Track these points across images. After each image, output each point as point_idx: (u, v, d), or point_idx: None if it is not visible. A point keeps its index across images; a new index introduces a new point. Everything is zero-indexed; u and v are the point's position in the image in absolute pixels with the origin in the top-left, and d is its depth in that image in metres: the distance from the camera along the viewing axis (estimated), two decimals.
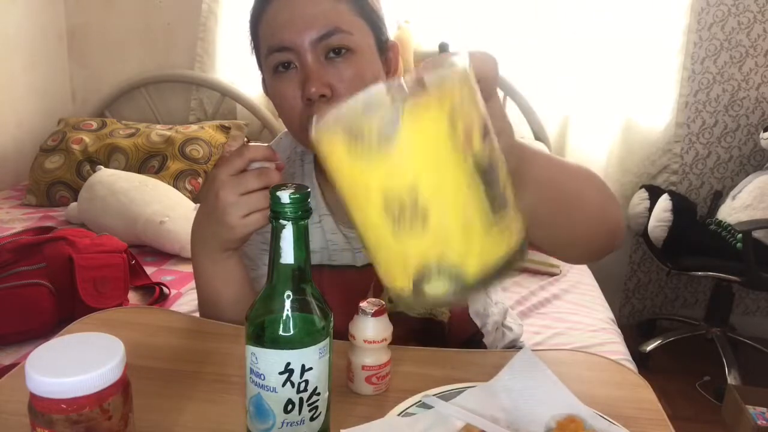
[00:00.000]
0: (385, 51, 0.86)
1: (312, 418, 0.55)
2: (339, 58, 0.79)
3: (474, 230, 0.37)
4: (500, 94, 2.45)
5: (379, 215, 0.37)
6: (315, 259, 0.90)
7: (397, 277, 0.40)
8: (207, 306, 0.86)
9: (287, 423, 0.54)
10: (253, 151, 0.74)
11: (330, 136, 0.37)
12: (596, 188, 0.76)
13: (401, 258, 0.38)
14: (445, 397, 0.65)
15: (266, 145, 0.77)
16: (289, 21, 0.79)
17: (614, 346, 1.57)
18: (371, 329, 0.68)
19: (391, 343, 0.70)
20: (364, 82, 0.80)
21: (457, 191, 0.36)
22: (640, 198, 2.39)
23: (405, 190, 0.36)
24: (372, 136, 0.35)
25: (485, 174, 0.37)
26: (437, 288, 0.38)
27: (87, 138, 2.38)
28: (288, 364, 0.53)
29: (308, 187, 0.54)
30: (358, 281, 0.92)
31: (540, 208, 0.66)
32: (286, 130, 0.93)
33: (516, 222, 0.40)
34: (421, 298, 0.39)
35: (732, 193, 2.35)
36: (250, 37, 0.86)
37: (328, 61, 0.79)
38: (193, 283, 1.27)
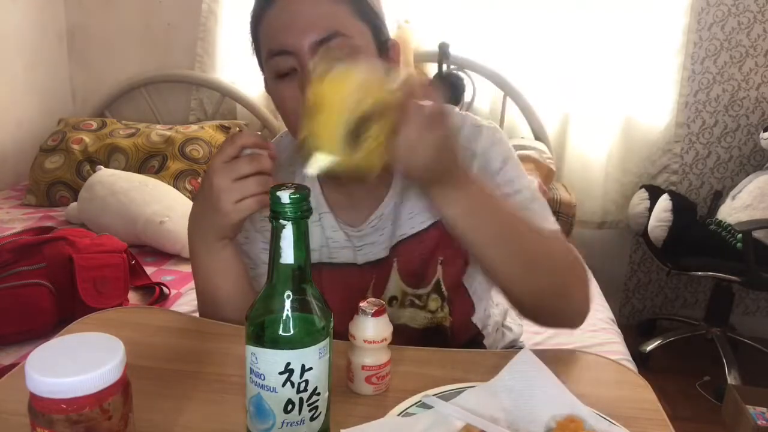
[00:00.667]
0: (386, 51, 0.86)
1: (312, 418, 0.55)
2: None
3: (335, 139, 0.63)
4: (500, 93, 2.45)
5: (307, 100, 0.65)
6: (314, 257, 0.90)
7: (300, 134, 0.66)
8: (205, 302, 0.86)
9: (287, 423, 0.54)
10: (244, 137, 0.75)
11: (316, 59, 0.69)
12: (564, 257, 0.81)
13: (304, 124, 0.65)
14: (445, 397, 0.65)
15: (257, 133, 0.78)
16: (288, 24, 0.79)
17: (614, 346, 1.57)
18: (371, 329, 0.68)
19: (391, 344, 0.70)
20: None
21: (340, 114, 0.63)
22: (640, 198, 2.39)
23: (319, 96, 0.64)
24: (324, 66, 0.65)
25: (362, 121, 0.63)
26: (306, 149, 0.65)
27: (87, 138, 2.38)
28: (288, 364, 0.53)
29: (308, 187, 0.54)
30: (359, 279, 0.92)
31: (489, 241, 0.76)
32: (286, 129, 0.93)
33: (368, 158, 0.65)
34: (301, 152, 0.66)
35: (732, 193, 2.35)
36: (251, 38, 0.86)
37: None
38: (193, 283, 1.28)
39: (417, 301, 0.93)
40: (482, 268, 0.83)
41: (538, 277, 0.78)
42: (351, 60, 0.67)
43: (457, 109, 0.94)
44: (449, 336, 0.95)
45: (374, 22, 0.83)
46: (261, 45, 0.84)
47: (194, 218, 0.83)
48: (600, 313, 1.75)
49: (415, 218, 0.90)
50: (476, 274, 0.94)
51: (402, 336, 0.75)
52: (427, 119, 0.66)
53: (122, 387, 0.50)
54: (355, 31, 0.80)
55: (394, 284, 0.92)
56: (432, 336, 0.94)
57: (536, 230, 0.80)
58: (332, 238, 0.92)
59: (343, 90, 0.63)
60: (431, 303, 0.93)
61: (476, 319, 0.96)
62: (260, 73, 0.88)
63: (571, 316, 0.85)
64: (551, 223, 0.87)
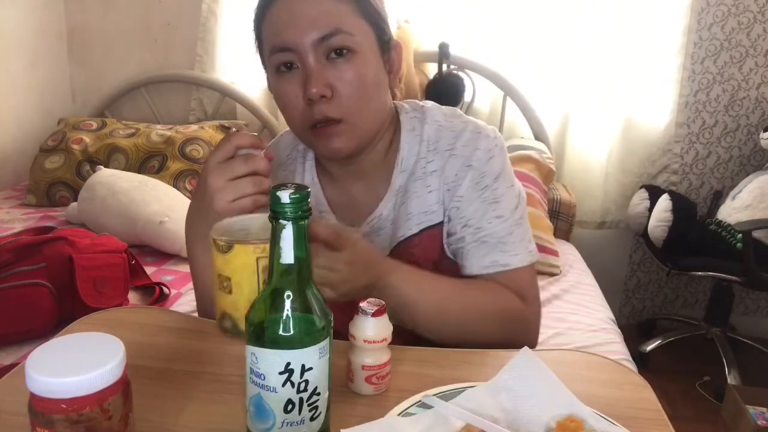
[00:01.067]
0: (388, 50, 0.86)
1: (312, 418, 0.55)
2: (340, 58, 0.79)
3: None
4: (500, 93, 2.45)
5: (215, 278, 0.66)
6: None
7: (216, 315, 0.68)
8: (204, 302, 0.86)
9: (287, 423, 0.54)
10: (239, 138, 0.75)
11: (212, 234, 0.66)
12: (499, 316, 0.85)
13: (217, 303, 0.67)
14: (445, 397, 0.65)
15: (253, 133, 0.78)
16: (291, 21, 0.79)
17: (614, 346, 1.57)
18: (371, 329, 0.68)
19: (391, 344, 0.70)
20: (364, 83, 0.81)
21: (249, 289, 0.63)
22: (640, 198, 2.39)
23: (226, 275, 0.65)
24: (223, 243, 0.64)
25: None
26: (226, 325, 0.67)
27: (87, 138, 2.38)
28: (288, 364, 0.53)
29: (308, 187, 0.54)
30: None
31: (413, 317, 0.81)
32: (287, 128, 0.93)
33: None
34: (221, 328, 0.67)
35: (732, 193, 2.35)
36: (254, 35, 0.87)
37: (329, 62, 0.79)
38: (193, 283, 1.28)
39: None
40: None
41: (471, 339, 0.82)
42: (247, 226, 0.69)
43: (458, 110, 0.94)
44: None
45: (377, 22, 0.84)
46: (264, 41, 0.84)
47: (191, 217, 0.83)
48: (600, 313, 1.75)
49: (411, 220, 0.90)
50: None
51: (402, 336, 0.75)
52: (327, 252, 0.69)
53: (122, 387, 0.50)
54: (357, 30, 0.80)
55: None
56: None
57: (469, 298, 0.84)
58: None
59: (247, 267, 0.63)
60: None
61: None
62: (262, 71, 0.88)
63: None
64: (521, 258, 0.88)
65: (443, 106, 0.94)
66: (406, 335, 0.91)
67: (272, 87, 0.86)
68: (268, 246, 0.61)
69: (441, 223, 0.90)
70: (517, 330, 0.86)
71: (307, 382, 0.54)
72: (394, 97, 0.94)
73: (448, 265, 0.92)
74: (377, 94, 0.84)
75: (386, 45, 0.86)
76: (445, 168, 0.89)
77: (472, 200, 0.88)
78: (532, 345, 0.89)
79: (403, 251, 0.91)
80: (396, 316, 0.78)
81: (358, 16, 0.81)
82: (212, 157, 0.75)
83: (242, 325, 0.62)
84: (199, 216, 0.79)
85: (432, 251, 0.91)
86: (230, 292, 0.64)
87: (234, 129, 2.49)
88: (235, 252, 0.64)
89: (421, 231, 0.90)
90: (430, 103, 0.95)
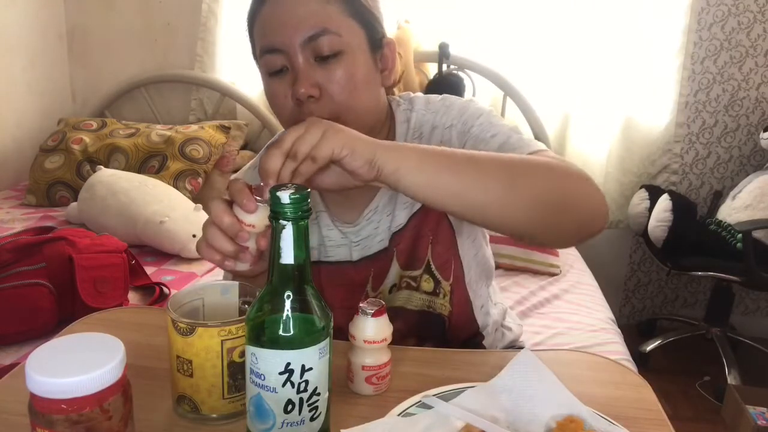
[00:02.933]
0: (380, 48, 0.86)
1: (312, 418, 0.55)
2: (329, 59, 0.80)
3: (213, 392, 0.65)
4: (500, 93, 2.45)
5: (173, 360, 0.65)
6: (311, 256, 0.90)
7: (172, 393, 0.67)
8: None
9: (287, 423, 0.54)
10: (232, 188, 0.66)
11: (170, 314, 0.64)
12: (547, 164, 0.74)
13: (174, 385, 0.66)
14: (445, 397, 0.65)
15: (249, 186, 0.66)
16: (279, 23, 0.80)
17: (614, 346, 1.57)
18: (371, 329, 0.68)
19: (391, 341, 0.70)
20: (353, 82, 0.81)
21: (212, 372, 0.64)
22: (640, 198, 2.39)
23: (187, 357, 0.64)
24: (184, 326, 0.63)
25: (234, 372, 0.64)
26: (183, 409, 0.66)
27: (87, 138, 2.38)
28: (288, 364, 0.53)
29: (308, 188, 0.54)
30: (355, 275, 0.92)
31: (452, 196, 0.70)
32: (283, 130, 0.93)
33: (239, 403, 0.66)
34: (178, 411, 0.67)
35: (732, 193, 2.35)
36: (248, 36, 0.87)
37: (318, 62, 0.80)
38: (191, 284, 1.27)
39: (412, 283, 0.93)
40: (467, 217, 0.74)
41: (522, 192, 0.71)
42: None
43: (438, 95, 0.95)
44: (447, 327, 0.94)
45: (368, 21, 0.84)
46: (255, 42, 0.85)
47: None
48: (600, 313, 1.75)
49: (409, 207, 0.90)
50: (471, 263, 0.94)
51: (399, 319, 0.75)
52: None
53: (122, 387, 0.50)
54: (344, 30, 0.80)
55: (395, 273, 0.93)
56: (431, 324, 0.94)
57: (500, 153, 0.75)
58: (328, 236, 0.93)
59: (211, 349, 0.63)
60: (424, 284, 0.93)
61: (477, 311, 0.96)
62: (258, 70, 0.89)
63: (586, 223, 0.77)
64: (536, 145, 0.82)
65: (429, 95, 0.96)
66: (403, 318, 0.91)
67: (264, 87, 0.86)
68: (233, 327, 0.63)
69: None
70: (569, 177, 0.74)
71: (307, 382, 0.54)
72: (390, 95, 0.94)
73: (442, 230, 0.91)
74: (367, 93, 0.84)
75: (378, 43, 0.86)
76: (431, 143, 0.89)
77: (464, 141, 0.87)
78: (596, 197, 0.76)
79: (401, 237, 0.91)
80: (418, 179, 0.68)
81: (346, 16, 0.81)
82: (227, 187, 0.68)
83: (203, 409, 0.65)
84: None
85: (426, 224, 0.91)
86: (191, 375, 0.63)
87: (234, 129, 2.49)
88: (198, 334, 0.62)
89: (416, 212, 0.90)
90: (418, 94, 0.96)
